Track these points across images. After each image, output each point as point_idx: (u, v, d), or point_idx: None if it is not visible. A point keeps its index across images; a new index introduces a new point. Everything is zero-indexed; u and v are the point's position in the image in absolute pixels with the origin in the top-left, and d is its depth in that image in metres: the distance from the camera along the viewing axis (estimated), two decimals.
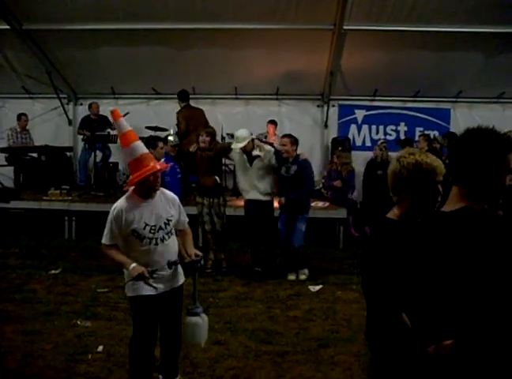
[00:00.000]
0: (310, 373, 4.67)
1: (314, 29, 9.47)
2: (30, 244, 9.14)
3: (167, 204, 4.04)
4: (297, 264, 7.64)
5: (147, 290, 3.89)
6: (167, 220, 3.97)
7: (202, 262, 4.13)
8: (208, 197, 7.78)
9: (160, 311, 4.01)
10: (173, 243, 4.06)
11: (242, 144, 7.32)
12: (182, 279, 4.15)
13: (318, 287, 7.17)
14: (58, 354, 4.90)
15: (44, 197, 9.77)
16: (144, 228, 3.86)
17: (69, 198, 9.90)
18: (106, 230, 3.91)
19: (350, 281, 7.41)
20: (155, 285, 3.90)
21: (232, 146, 7.61)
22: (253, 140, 7.51)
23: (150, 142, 7.58)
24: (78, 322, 5.72)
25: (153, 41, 10.00)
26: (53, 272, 7.66)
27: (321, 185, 10.79)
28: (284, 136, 7.69)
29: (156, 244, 3.91)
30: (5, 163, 10.89)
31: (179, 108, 10.25)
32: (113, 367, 4.68)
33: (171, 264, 3.93)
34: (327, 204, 9.72)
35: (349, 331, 5.58)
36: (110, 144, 11.08)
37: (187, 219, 4.26)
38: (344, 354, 5.00)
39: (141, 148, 3.89)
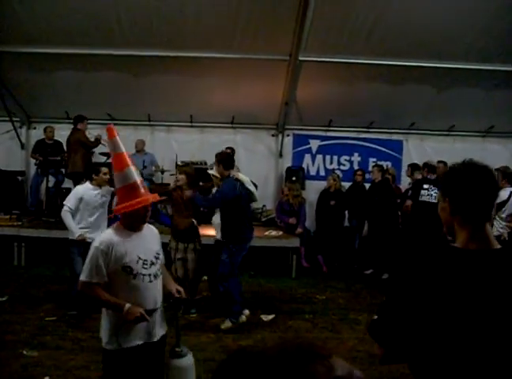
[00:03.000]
0: None
1: (270, 59, 9.56)
2: None
3: (152, 237, 3.73)
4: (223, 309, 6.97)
5: (140, 339, 3.53)
6: (157, 254, 3.66)
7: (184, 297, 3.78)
8: (182, 241, 7.14)
9: (142, 364, 3.53)
10: (160, 282, 3.71)
11: (213, 172, 7.00)
12: (166, 326, 3.78)
13: (270, 317, 7.17)
14: None
15: None
16: (137, 262, 3.48)
17: (20, 223, 9.71)
18: (89, 267, 3.44)
19: (302, 310, 7.46)
20: (147, 331, 3.55)
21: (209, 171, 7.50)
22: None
23: (94, 168, 7.48)
24: (24, 352, 5.58)
25: (110, 67, 9.95)
26: None
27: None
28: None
29: (150, 281, 3.54)
30: None
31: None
32: None
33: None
34: (280, 232, 9.75)
35: None
36: (63, 170, 10.95)
37: None
38: None
39: (134, 174, 3.56)
